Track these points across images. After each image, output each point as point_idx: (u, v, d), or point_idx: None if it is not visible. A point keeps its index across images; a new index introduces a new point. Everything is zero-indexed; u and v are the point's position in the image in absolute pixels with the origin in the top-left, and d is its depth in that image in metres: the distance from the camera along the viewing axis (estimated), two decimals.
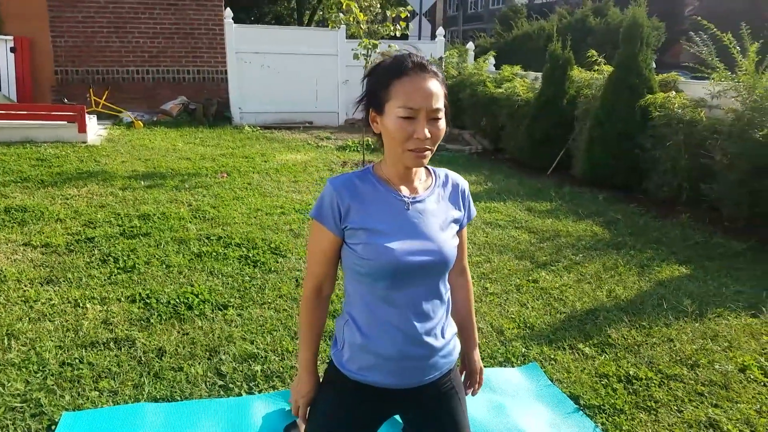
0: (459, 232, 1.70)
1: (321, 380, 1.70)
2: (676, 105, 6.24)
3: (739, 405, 2.63)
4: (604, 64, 7.75)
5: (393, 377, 1.60)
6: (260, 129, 11.03)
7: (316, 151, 8.97)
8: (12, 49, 10.66)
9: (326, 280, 1.65)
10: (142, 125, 10.32)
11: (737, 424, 2.49)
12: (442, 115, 1.52)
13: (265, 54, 11.59)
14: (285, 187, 6.46)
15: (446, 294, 1.67)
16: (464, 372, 1.84)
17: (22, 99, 10.62)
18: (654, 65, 7.11)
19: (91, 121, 8.85)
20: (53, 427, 2.28)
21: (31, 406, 2.40)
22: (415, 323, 1.58)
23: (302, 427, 1.74)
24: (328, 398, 1.66)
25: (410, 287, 1.58)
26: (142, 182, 6.31)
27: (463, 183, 1.73)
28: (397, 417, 1.75)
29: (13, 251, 4.16)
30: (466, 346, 1.81)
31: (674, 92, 6.64)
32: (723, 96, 5.96)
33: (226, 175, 6.91)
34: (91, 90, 10.77)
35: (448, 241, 1.61)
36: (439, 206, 1.64)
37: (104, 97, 10.82)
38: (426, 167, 1.68)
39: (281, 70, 11.74)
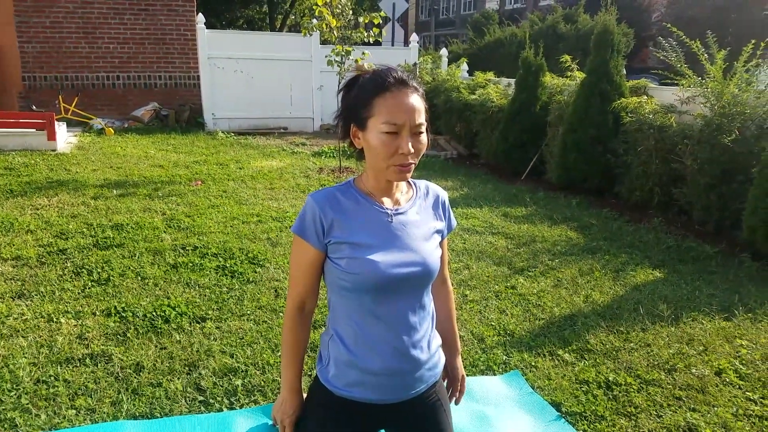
0: (440, 243, 1.70)
1: (306, 396, 1.68)
2: (647, 110, 6.35)
3: (716, 409, 2.67)
4: (577, 70, 7.86)
5: (380, 393, 1.59)
6: (234, 135, 10.94)
7: (292, 158, 8.93)
8: None
9: (309, 296, 1.64)
10: (113, 132, 10.16)
11: (715, 428, 2.53)
12: (424, 129, 1.52)
13: (238, 59, 11.50)
14: (261, 195, 6.41)
15: (430, 305, 1.67)
16: (446, 379, 1.84)
17: None
18: (624, 71, 7.23)
19: (60, 128, 8.68)
20: None
21: (5, 426, 2.34)
22: (403, 337, 1.58)
23: None
24: (314, 416, 1.64)
25: (396, 300, 1.57)
26: (114, 191, 6.21)
27: (443, 194, 1.74)
28: None
29: None
30: (448, 354, 1.81)
31: (645, 97, 6.77)
32: (692, 102, 6.09)
33: (200, 182, 6.84)
34: (60, 96, 10.57)
35: (432, 252, 1.61)
36: (421, 217, 1.64)
37: (74, 104, 10.63)
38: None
39: (255, 76, 11.67)
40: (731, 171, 5.38)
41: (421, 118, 1.51)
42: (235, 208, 5.73)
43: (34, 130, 8.26)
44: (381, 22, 7.96)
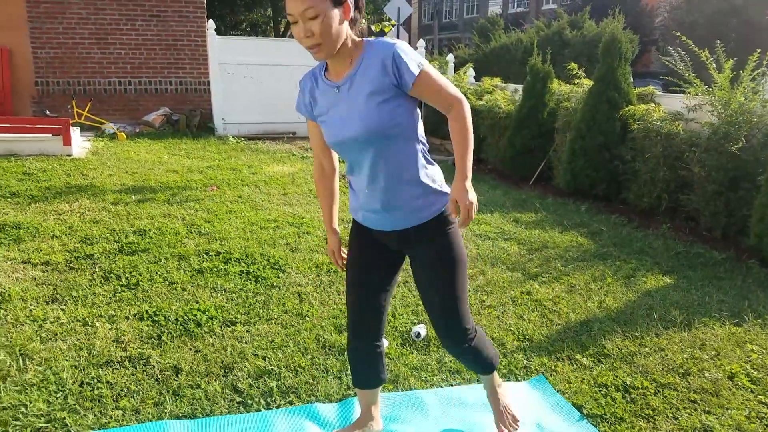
0: (416, 88, 1.85)
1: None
2: (655, 118, 6.48)
3: (730, 411, 2.79)
4: (584, 78, 7.99)
5: (368, 222, 2.11)
6: (244, 140, 11.07)
7: (302, 163, 9.06)
8: None
9: (324, 159, 2.17)
10: (125, 137, 10.29)
11: (730, 430, 2.65)
12: (314, 13, 1.72)
13: (248, 65, 11.63)
14: (276, 200, 6.53)
15: (402, 158, 1.95)
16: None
17: (2, 111, 10.52)
18: (631, 79, 7.36)
19: (74, 133, 8.81)
20: None
21: (56, 426, 2.46)
22: (369, 185, 2.00)
23: None
24: (350, 235, 2.24)
25: (356, 156, 1.97)
26: (133, 196, 6.33)
27: (388, 50, 1.85)
28: None
29: (13, 269, 4.18)
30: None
31: (653, 105, 6.89)
32: (699, 110, 6.21)
33: (215, 188, 6.96)
34: (73, 101, 10.70)
35: (371, 114, 1.86)
36: (362, 82, 1.88)
37: (87, 109, 10.76)
38: (364, 46, 1.91)
39: (264, 81, 11.80)
40: (738, 178, 5.50)
41: (306, 4, 1.72)
42: (252, 214, 5.86)
43: (50, 135, 8.38)
44: (392, 29, 8.10)
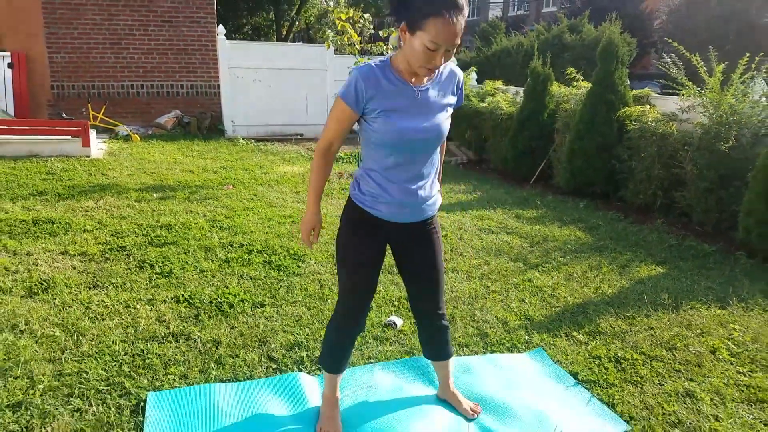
0: (453, 112, 2.32)
1: (342, 215, 2.40)
2: (650, 119, 6.81)
3: (710, 379, 3.13)
4: (582, 81, 8.33)
5: (392, 215, 2.29)
6: (253, 141, 11.42)
7: (311, 163, 9.38)
8: (9, 65, 10.93)
9: (336, 141, 2.26)
10: (138, 139, 10.65)
11: (709, 394, 2.99)
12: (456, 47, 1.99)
13: (257, 69, 12.01)
14: (289, 198, 6.87)
15: (436, 159, 2.34)
16: None
17: (20, 114, 10.89)
18: (628, 81, 7.69)
19: (92, 135, 9.16)
20: (141, 405, 2.68)
21: (116, 388, 2.80)
22: (412, 181, 2.24)
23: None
24: (348, 225, 2.36)
25: (417, 153, 2.22)
26: (154, 194, 6.67)
27: (460, 74, 2.33)
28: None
29: (53, 260, 4.52)
30: None
31: (648, 106, 7.23)
32: (692, 111, 6.55)
33: (231, 186, 7.31)
34: (89, 104, 11.07)
35: (443, 122, 2.24)
36: (439, 94, 2.22)
37: (102, 112, 11.12)
38: None
39: (272, 84, 12.17)
40: (728, 176, 5.83)
41: (458, 39, 1.96)
42: (268, 211, 6.20)
43: (69, 137, 8.74)
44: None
